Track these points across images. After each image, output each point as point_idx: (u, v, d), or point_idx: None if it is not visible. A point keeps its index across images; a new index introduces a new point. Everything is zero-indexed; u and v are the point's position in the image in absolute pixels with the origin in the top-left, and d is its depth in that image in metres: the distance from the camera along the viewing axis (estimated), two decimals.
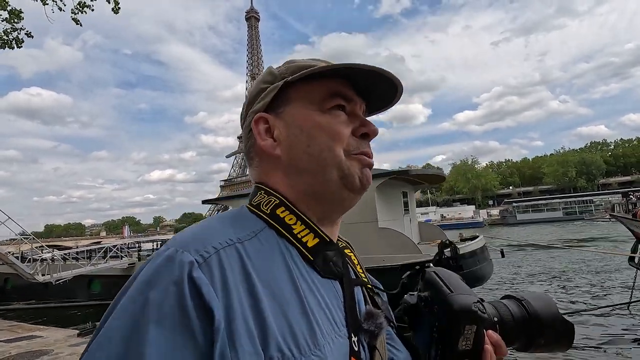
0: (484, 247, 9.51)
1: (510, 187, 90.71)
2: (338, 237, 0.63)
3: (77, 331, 6.57)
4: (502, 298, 0.63)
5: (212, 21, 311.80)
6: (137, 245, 18.51)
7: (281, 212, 0.54)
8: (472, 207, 64.28)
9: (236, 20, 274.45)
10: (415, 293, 0.61)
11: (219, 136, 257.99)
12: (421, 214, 58.50)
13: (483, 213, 59.67)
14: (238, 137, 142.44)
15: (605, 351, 6.10)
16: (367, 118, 0.61)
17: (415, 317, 0.59)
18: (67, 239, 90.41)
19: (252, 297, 0.43)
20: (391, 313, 0.63)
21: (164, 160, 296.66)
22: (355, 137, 0.57)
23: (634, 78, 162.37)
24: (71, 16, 5.72)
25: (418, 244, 9.86)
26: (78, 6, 5.74)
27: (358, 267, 0.62)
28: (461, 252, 8.08)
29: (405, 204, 11.30)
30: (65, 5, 5.68)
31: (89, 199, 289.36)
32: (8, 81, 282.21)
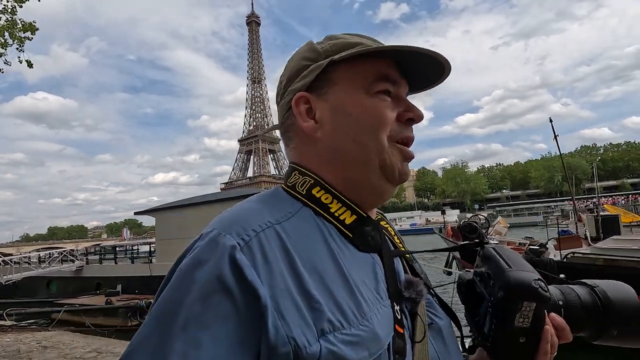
0: None
1: (503, 191, 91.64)
2: None
3: None
4: (573, 284, 0.60)
5: (215, 27, 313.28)
6: (134, 247, 20.38)
7: (317, 192, 0.55)
8: (457, 212, 65.45)
9: (239, 26, 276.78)
10: (472, 270, 0.60)
11: (222, 139, 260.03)
12: (407, 218, 59.90)
13: None
14: (239, 140, 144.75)
15: None
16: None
17: (469, 293, 0.59)
18: (68, 241, 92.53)
19: (295, 274, 0.45)
20: (429, 281, 0.63)
21: (167, 163, 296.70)
22: (400, 122, 0.56)
23: (636, 81, 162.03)
24: None
25: None
26: None
27: (395, 238, 0.64)
28: None
29: None
30: None
31: (94, 202, 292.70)
32: (15, 86, 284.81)
